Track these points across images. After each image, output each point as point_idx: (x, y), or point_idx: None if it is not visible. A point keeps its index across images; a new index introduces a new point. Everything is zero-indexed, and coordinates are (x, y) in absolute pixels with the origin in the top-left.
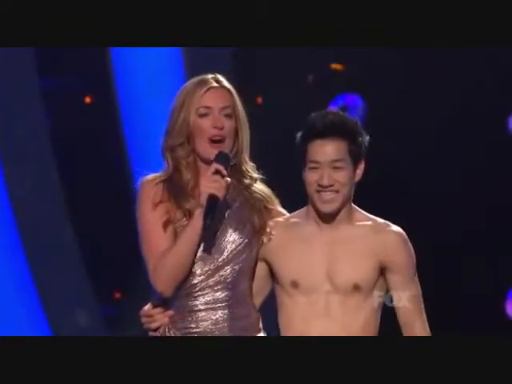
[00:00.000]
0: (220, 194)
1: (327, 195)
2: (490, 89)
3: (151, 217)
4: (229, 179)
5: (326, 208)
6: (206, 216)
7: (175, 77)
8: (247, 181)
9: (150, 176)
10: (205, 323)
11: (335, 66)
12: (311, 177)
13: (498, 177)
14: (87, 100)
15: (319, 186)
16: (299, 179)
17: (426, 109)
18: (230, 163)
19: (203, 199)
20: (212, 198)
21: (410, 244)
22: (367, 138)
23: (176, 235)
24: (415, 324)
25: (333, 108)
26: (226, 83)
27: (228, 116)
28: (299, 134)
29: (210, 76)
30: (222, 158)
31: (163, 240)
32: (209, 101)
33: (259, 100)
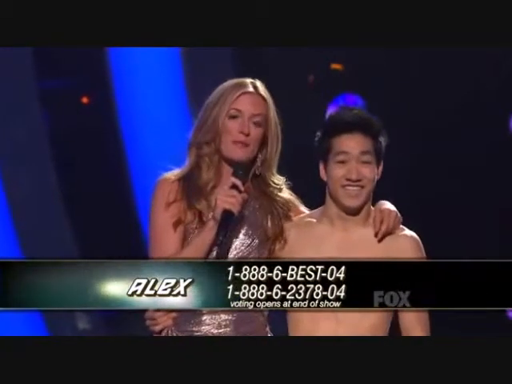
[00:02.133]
0: (235, 210)
1: (354, 190)
2: (491, 89)
3: (162, 218)
4: (246, 195)
5: (351, 202)
6: (219, 232)
7: (173, 76)
8: (269, 189)
9: (168, 174)
10: (207, 327)
11: (335, 66)
12: (338, 172)
13: (498, 177)
14: (84, 100)
15: (347, 180)
16: (301, 179)
17: (426, 109)
18: (248, 178)
19: (217, 214)
20: (226, 213)
21: (423, 250)
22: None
23: (185, 237)
24: (415, 329)
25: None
26: (262, 91)
27: (257, 124)
28: (321, 130)
29: (249, 80)
30: (240, 172)
31: (171, 243)
32: (241, 104)
33: None
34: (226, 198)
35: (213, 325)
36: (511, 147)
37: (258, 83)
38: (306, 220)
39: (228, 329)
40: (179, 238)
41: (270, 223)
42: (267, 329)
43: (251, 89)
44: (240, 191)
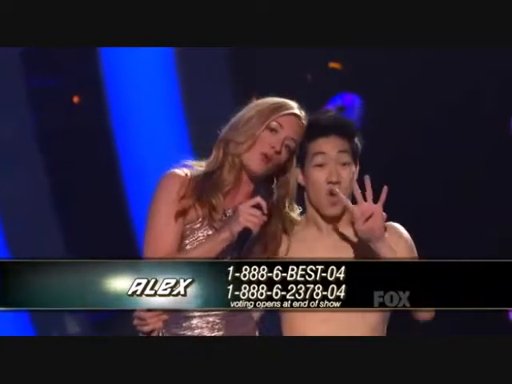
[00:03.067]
0: (255, 230)
1: (331, 196)
2: (491, 89)
3: (167, 210)
4: (266, 217)
5: (332, 211)
6: (234, 248)
7: (166, 76)
8: (284, 223)
9: (177, 169)
10: (198, 330)
11: (333, 65)
12: (318, 176)
13: (498, 177)
14: (75, 99)
15: (329, 183)
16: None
17: (426, 108)
18: (270, 199)
19: (237, 230)
20: (245, 232)
21: (405, 234)
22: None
23: (181, 237)
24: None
25: (330, 108)
26: (304, 119)
27: (287, 148)
28: None
29: (297, 105)
30: (262, 190)
31: (171, 236)
32: (285, 122)
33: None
34: (250, 216)
35: (205, 328)
36: (511, 147)
37: (303, 112)
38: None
39: (220, 332)
40: (179, 234)
41: (269, 238)
42: (256, 334)
43: (299, 113)
44: (263, 213)
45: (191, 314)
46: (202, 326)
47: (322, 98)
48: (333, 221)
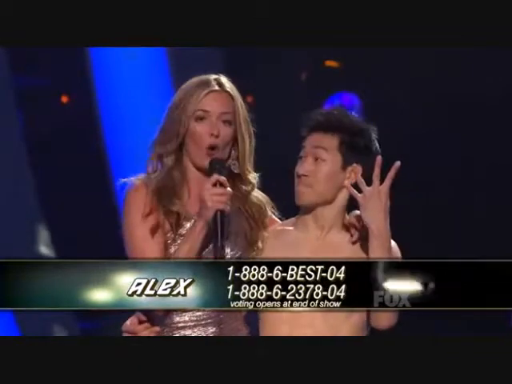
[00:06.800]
0: (227, 208)
1: (299, 187)
2: (492, 89)
3: (139, 231)
4: (231, 190)
5: (297, 200)
6: (216, 237)
7: (159, 76)
8: (245, 188)
9: (138, 182)
10: (190, 325)
11: (330, 63)
12: (297, 167)
13: (498, 177)
14: (64, 99)
15: (296, 175)
16: (290, 181)
17: (426, 108)
18: (226, 170)
19: (209, 216)
20: (218, 214)
21: (400, 256)
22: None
23: (165, 247)
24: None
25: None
26: (228, 86)
27: (227, 122)
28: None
29: (212, 77)
30: (218, 166)
31: (154, 254)
32: (207, 105)
33: (249, 99)
34: (214, 196)
35: (196, 324)
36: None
37: (223, 79)
38: (279, 229)
39: (211, 328)
40: (160, 249)
41: (249, 228)
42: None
43: (216, 87)
44: (225, 187)
45: (184, 325)
46: (193, 321)
47: (320, 98)
48: (318, 223)
